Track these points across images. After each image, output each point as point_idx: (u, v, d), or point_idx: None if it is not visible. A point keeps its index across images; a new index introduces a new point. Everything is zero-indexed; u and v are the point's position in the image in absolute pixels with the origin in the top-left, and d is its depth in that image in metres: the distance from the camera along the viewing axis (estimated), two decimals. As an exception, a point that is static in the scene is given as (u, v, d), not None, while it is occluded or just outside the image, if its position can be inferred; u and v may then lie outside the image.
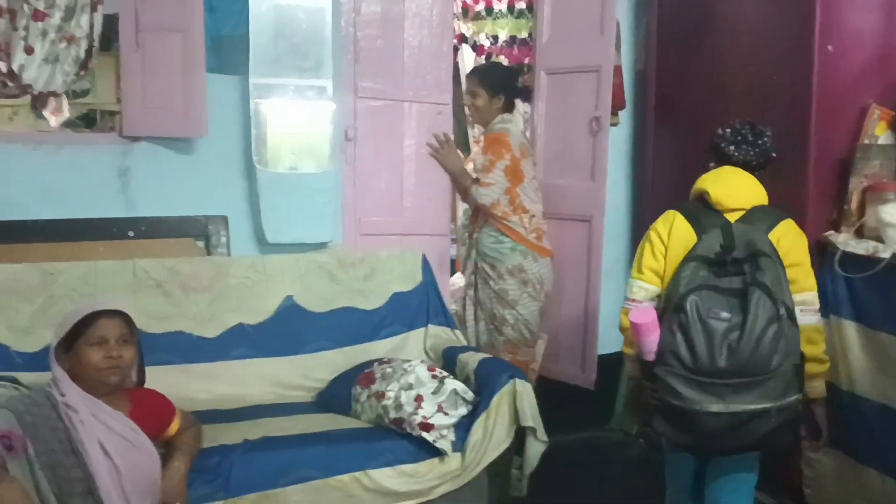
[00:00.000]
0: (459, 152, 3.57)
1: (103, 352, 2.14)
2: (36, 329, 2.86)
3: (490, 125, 3.44)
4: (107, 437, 2.10)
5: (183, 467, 2.27)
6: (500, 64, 3.82)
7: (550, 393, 3.78)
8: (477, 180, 3.37)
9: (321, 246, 3.41)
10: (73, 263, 2.97)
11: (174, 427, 2.37)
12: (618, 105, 3.84)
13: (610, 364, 3.78)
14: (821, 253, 2.73)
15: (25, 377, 2.59)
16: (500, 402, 2.69)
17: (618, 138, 3.92)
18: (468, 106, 3.53)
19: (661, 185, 3.69)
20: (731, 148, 2.30)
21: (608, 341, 3.76)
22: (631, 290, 2.27)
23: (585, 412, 3.85)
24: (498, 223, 3.39)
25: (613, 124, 3.88)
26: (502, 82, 3.45)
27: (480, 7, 3.88)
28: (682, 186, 3.46)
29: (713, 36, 3.28)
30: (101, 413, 2.13)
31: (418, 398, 2.66)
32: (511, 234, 3.40)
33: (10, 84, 3.00)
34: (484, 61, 3.93)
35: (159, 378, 2.88)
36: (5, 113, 3.83)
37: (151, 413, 2.31)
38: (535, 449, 2.73)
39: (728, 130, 2.32)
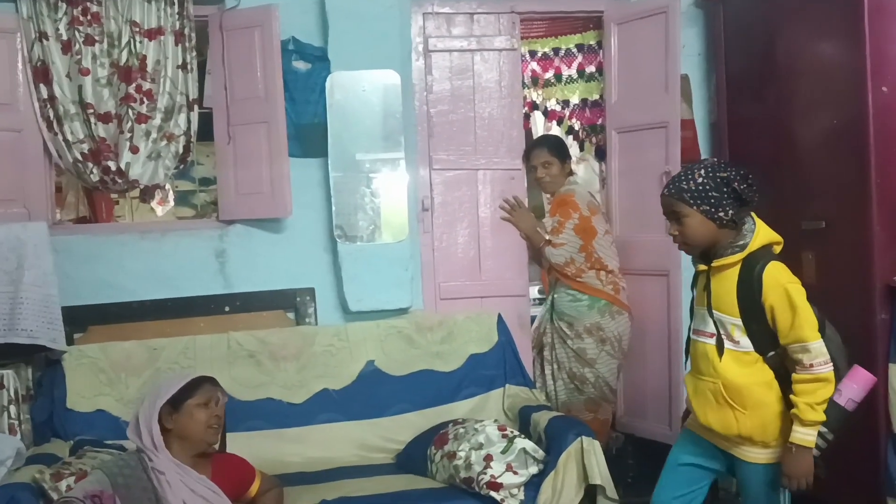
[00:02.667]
0: (532, 214, 3.68)
1: (209, 412, 2.38)
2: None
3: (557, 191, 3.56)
4: (191, 498, 2.30)
5: None
6: (553, 134, 3.94)
7: (639, 451, 3.75)
8: (549, 241, 3.46)
9: (402, 312, 3.57)
10: (175, 339, 3.28)
11: (254, 489, 2.55)
12: (692, 158, 3.83)
13: (698, 419, 3.71)
14: (891, 297, 2.64)
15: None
16: (567, 460, 2.72)
17: (696, 190, 3.91)
18: (541, 177, 3.62)
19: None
20: (755, 193, 2.16)
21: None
22: (824, 352, 2.09)
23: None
24: (571, 282, 3.46)
25: (690, 177, 3.89)
26: (566, 149, 3.58)
27: (549, 75, 4.02)
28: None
29: (776, 84, 3.28)
30: (186, 476, 2.34)
31: (487, 457, 2.73)
32: (587, 290, 3.45)
33: (119, 180, 3.38)
34: (556, 125, 4.05)
35: (252, 443, 3.14)
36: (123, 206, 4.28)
37: (232, 475, 2.50)
38: (606, 507, 2.73)
39: (742, 173, 2.15)
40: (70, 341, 3.20)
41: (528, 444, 2.80)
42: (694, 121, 3.89)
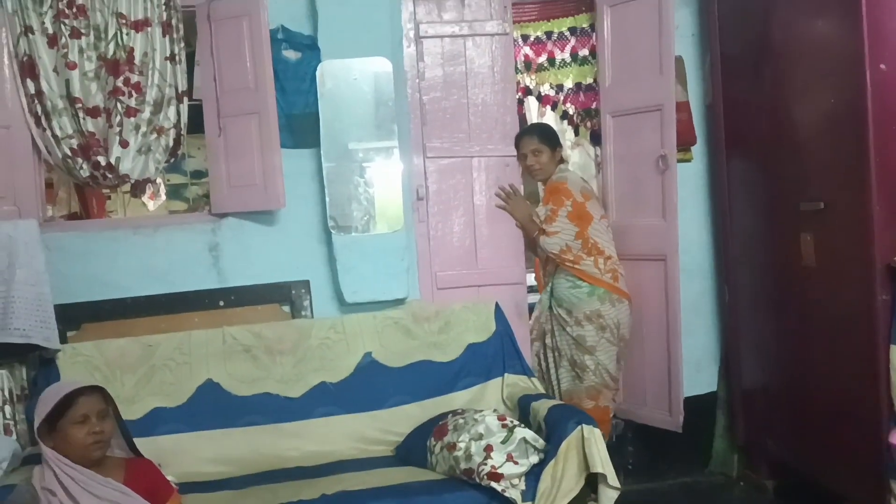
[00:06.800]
0: (528, 202, 3.65)
1: (86, 428, 2.26)
2: (140, 397, 3.15)
3: (549, 178, 3.53)
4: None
5: None
6: (543, 122, 3.91)
7: (639, 438, 3.75)
8: (543, 230, 3.43)
9: (399, 303, 3.53)
10: (170, 335, 3.25)
11: None
12: (688, 141, 3.82)
13: (699, 405, 3.70)
14: (892, 278, 2.61)
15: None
16: (567, 448, 2.70)
17: (693, 173, 3.89)
18: (531, 165, 3.58)
19: (739, 216, 3.62)
20: None
21: (695, 382, 3.71)
22: None
23: (677, 456, 3.76)
24: (571, 269, 3.42)
25: (686, 160, 3.86)
26: (556, 136, 3.53)
27: (543, 59, 3.96)
28: (759, 216, 3.43)
29: (772, 64, 3.23)
30: (89, 482, 2.23)
31: (488, 448, 2.71)
32: (586, 278, 3.42)
33: (110, 175, 3.34)
34: (550, 110, 4.00)
35: (250, 438, 3.13)
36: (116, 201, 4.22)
37: (146, 483, 2.37)
38: (608, 496, 2.70)
39: None
40: (63, 339, 3.18)
41: (529, 434, 2.78)
42: (689, 103, 3.84)
